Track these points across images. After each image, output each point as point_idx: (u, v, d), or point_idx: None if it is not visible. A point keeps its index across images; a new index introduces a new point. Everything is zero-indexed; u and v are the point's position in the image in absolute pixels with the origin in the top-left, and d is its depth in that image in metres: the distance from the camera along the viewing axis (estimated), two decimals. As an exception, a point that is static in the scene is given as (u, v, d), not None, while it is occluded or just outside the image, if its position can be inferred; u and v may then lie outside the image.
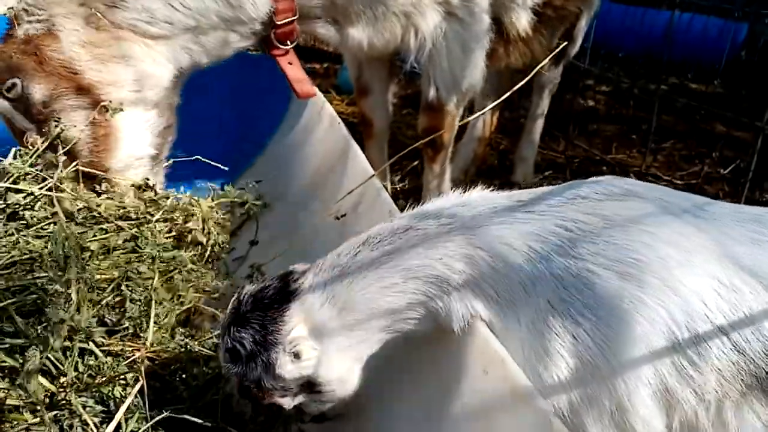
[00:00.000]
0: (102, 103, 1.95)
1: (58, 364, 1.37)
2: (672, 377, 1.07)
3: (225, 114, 2.94)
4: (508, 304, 1.14)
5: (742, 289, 1.08)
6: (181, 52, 2.06)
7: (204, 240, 2.04)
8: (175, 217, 1.99)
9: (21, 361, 1.31)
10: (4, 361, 1.33)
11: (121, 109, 1.97)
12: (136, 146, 2.06)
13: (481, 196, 1.27)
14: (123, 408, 1.27)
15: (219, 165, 2.14)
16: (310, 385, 1.23)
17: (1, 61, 1.89)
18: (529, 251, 1.13)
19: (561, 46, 2.41)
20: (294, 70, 2.19)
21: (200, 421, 1.34)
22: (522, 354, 1.11)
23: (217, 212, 2.17)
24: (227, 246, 2.21)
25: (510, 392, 1.05)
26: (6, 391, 1.31)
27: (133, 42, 1.97)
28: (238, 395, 1.28)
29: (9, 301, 1.41)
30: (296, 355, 1.16)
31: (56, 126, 1.91)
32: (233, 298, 1.24)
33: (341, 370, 1.23)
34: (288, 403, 1.25)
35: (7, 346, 1.35)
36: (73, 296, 1.43)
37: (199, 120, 2.47)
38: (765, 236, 1.14)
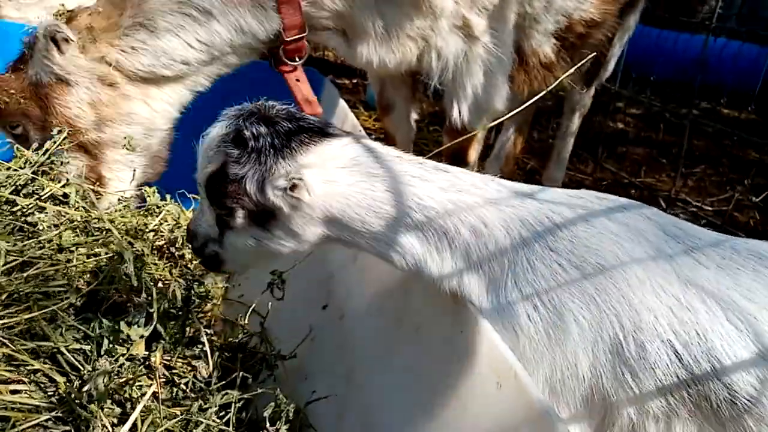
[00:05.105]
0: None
1: (78, 364, 1.39)
2: (608, 381, 1.12)
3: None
4: (489, 279, 1.20)
5: (698, 309, 1.11)
6: (187, 90, 2.11)
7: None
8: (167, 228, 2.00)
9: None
10: (29, 363, 1.36)
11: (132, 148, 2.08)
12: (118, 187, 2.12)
13: (511, 183, 1.30)
14: (138, 408, 1.28)
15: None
16: (270, 218, 1.18)
17: (10, 100, 1.97)
18: (518, 236, 1.19)
19: (583, 60, 2.39)
20: (301, 87, 2.18)
21: (214, 424, 1.35)
22: (493, 327, 1.17)
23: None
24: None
25: (525, 407, 1.04)
26: (28, 393, 1.33)
27: (138, 100, 2.03)
28: (204, 181, 1.19)
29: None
30: (293, 187, 1.12)
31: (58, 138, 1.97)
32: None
33: (308, 235, 1.21)
34: (239, 218, 1.18)
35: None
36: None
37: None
38: (735, 263, 1.17)
